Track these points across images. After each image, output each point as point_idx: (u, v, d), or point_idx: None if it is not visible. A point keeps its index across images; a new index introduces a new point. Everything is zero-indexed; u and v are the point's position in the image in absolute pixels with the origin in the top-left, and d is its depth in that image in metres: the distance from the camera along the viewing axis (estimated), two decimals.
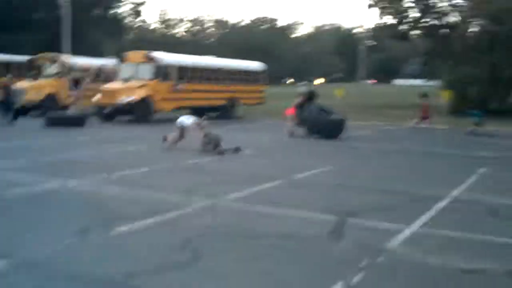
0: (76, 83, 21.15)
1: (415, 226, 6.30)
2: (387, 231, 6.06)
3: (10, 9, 48.83)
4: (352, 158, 12.48)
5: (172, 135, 13.06)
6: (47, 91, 24.26)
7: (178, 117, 13.40)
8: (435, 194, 8.14)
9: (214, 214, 6.73)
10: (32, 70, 25.95)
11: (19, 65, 27.58)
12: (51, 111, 20.90)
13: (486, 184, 9.29)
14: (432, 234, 5.99)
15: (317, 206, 7.25)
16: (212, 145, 12.52)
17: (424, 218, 6.67)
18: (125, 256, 5.13)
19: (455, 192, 8.35)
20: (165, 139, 13.13)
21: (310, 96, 18.08)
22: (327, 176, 9.83)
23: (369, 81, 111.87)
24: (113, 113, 21.62)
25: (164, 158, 11.79)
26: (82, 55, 34.02)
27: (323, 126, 16.62)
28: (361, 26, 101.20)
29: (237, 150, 12.70)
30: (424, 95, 20.21)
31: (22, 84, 24.19)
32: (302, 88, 20.16)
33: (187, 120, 12.94)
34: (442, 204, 7.54)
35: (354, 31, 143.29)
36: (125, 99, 21.13)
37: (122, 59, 23.52)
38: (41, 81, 24.49)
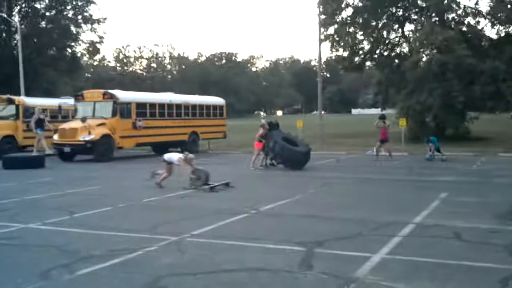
0: (39, 123, 20.63)
1: (382, 253, 6.37)
2: (355, 259, 6.09)
3: None
4: (316, 187, 12.57)
5: (163, 171, 12.80)
6: (3, 132, 23.64)
7: (163, 155, 13.17)
8: (400, 221, 8.27)
9: (181, 251, 6.62)
10: None
11: None
12: (8, 153, 20.30)
13: (448, 208, 9.50)
14: (400, 260, 6.05)
15: (285, 237, 7.23)
16: (202, 181, 12.36)
17: (390, 245, 6.75)
18: None
19: (418, 218, 8.51)
20: (153, 175, 12.92)
21: (271, 127, 18.25)
22: (293, 207, 9.86)
23: (321, 112, 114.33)
24: (72, 152, 21.22)
25: (125, 196, 11.58)
26: (38, 95, 33.49)
27: (290, 157, 16.75)
28: (315, 59, 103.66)
29: (227, 185, 12.59)
30: (382, 117, 20.73)
31: None
32: (262, 120, 20.35)
33: (174, 156, 12.71)
34: (407, 230, 7.66)
35: (311, 63, 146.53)
36: (84, 137, 20.81)
37: (79, 98, 23.24)
38: None
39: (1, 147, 22.92)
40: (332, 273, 5.56)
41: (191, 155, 12.65)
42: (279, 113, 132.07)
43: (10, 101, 25.03)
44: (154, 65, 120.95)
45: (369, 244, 6.81)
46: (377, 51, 33.24)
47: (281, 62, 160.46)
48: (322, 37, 32.24)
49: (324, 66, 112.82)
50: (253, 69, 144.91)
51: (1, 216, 9.29)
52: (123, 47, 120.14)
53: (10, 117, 24.73)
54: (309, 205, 10.05)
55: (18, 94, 30.83)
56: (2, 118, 24.75)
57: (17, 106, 24.81)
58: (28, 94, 33.00)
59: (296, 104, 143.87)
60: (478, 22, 30.02)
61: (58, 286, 5.34)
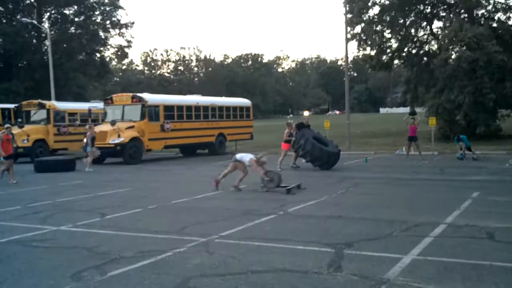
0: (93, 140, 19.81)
1: (413, 254, 6.27)
2: (386, 260, 6.01)
3: None
4: (345, 188, 12.46)
5: (231, 168, 12.73)
6: (35, 136, 24.18)
7: (235, 154, 13.18)
8: (431, 221, 8.14)
9: (209, 252, 6.65)
10: (19, 117, 25.92)
11: (7, 112, 27.59)
12: (40, 157, 20.73)
13: (480, 208, 9.30)
14: (431, 261, 5.95)
15: (314, 238, 7.19)
16: (275, 183, 12.22)
17: (421, 246, 6.64)
18: None
19: (450, 218, 8.36)
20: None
21: (301, 127, 18.17)
22: (321, 208, 9.80)
23: (336, 112, 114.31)
24: (103, 155, 21.57)
25: (154, 198, 11.70)
26: (69, 100, 34.13)
27: (319, 156, 16.64)
28: (342, 58, 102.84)
29: (299, 187, 12.37)
30: (412, 113, 20.48)
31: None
32: (289, 120, 20.36)
33: (245, 156, 12.54)
34: (438, 230, 7.53)
35: (338, 62, 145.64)
36: (114, 140, 21.12)
37: (108, 102, 23.60)
38: (28, 128, 24.40)
39: (33, 150, 23.47)
40: (362, 275, 5.50)
41: (264, 158, 12.46)
42: (306, 113, 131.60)
43: (41, 106, 25.61)
44: (181, 67, 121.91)
45: (399, 245, 6.71)
46: (405, 49, 32.76)
47: (308, 62, 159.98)
48: (349, 36, 31.96)
49: (351, 65, 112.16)
50: (279, 69, 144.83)
51: (33, 219, 9.50)
52: (150, 50, 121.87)
53: (41, 121, 25.32)
54: (338, 206, 9.97)
55: (49, 99, 31.53)
56: (33, 123, 25.35)
57: (48, 111, 25.37)
58: (58, 98, 33.73)
59: (323, 104, 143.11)
60: (508, 18, 29.35)
61: None
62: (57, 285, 5.48)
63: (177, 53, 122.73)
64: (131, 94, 23.75)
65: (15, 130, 24.22)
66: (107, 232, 8.15)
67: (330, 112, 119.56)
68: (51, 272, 6.03)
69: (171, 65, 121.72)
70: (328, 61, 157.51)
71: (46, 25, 48.58)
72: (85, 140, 19.86)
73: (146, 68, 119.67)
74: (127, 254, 6.68)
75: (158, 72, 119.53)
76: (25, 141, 23.60)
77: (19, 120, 25.53)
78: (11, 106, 27.91)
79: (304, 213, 9.28)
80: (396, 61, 35.50)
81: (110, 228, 8.42)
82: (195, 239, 7.38)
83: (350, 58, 51.52)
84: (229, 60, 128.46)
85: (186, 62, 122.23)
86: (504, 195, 10.68)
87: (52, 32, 47.65)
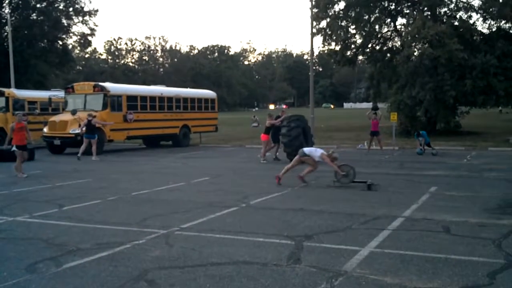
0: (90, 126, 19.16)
1: (371, 246, 6.37)
2: (344, 253, 6.09)
3: None
4: (308, 181, 12.54)
5: (308, 168, 12.15)
6: None
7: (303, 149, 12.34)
8: (389, 214, 8.28)
9: (169, 245, 6.59)
10: None
11: None
12: None
13: (437, 202, 9.52)
14: (388, 254, 6.05)
15: (274, 231, 7.22)
16: (350, 178, 11.70)
17: (379, 239, 6.75)
18: None
19: (408, 212, 8.53)
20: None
21: (278, 117, 18.17)
22: (282, 200, 9.85)
23: (283, 106, 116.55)
24: (62, 145, 21.09)
25: (115, 190, 11.52)
26: (29, 88, 33.20)
27: (297, 148, 16.56)
28: (308, 53, 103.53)
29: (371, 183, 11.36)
30: (374, 108, 20.73)
31: None
32: (271, 111, 20.36)
33: (315, 151, 11.96)
34: (396, 223, 7.67)
35: (304, 57, 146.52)
36: (74, 130, 20.68)
37: (69, 91, 23.08)
38: None
39: None
40: (320, 267, 5.55)
41: (335, 154, 11.94)
42: (271, 107, 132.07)
43: (0, 93, 24.83)
44: (146, 57, 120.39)
45: (357, 238, 6.81)
46: (369, 45, 33.19)
47: (274, 55, 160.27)
48: (315, 30, 32.16)
49: (316, 59, 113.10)
50: (246, 62, 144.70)
51: None
52: (114, 39, 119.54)
53: (0, 109, 24.56)
54: (299, 199, 10.05)
55: (9, 86, 30.60)
56: None
57: (7, 98, 24.63)
58: (19, 86, 32.79)
59: (288, 97, 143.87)
60: (470, 17, 30.06)
61: (44, 279, 5.29)
62: (11, 276, 5.33)
63: (142, 43, 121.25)
64: (93, 83, 23.29)
65: None
66: (65, 223, 7.97)
67: (277, 107, 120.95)
68: (5, 263, 5.86)
69: (136, 55, 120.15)
70: (294, 55, 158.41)
71: (6, 10, 47.08)
72: (82, 128, 19.35)
73: (110, 57, 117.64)
74: (84, 246, 6.56)
75: (122, 61, 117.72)
76: None
77: None
78: None
79: (266, 206, 9.31)
80: (360, 57, 35.95)
81: (68, 219, 8.25)
82: (155, 231, 7.30)
83: (316, 53, 51.87)
84: (195, 52, 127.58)
85: (151, 52, 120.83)
86: (461, 190, 10.97)
87: (13, 18, 46.23)
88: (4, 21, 46.14)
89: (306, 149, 12.31)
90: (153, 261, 5.85)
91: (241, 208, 9.07)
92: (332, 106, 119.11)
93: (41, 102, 25.87)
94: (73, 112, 21.11)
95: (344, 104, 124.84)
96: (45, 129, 21.78)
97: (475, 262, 5.73)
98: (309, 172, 12.16)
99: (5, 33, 45.87)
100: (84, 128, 19.18)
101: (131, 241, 6.71)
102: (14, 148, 14.42)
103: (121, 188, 11.75)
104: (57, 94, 26.04)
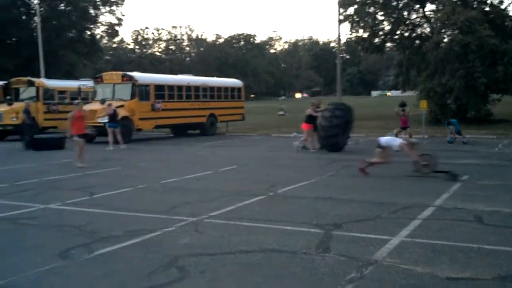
0: (114, 115, 19.39)
1: (401, 236, 6.30)
2: (374, 242, 6.03)
3: None
4: (335, 170, 12.47)
5: (377, 157, 11.26)
6: None
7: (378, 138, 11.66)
8: (420, 203, 8.17)
9: (198, 232, 6.64)
10: (8, 94, 25.60)
11: None
12: (29, 135, 20.50)
13: (469, 191, 9.35)
14: (419, 243, 5.97)
15: (303, 219, 7.20)
16: (431, 167, 11.04)
17: (410, 228, 6.67)
18: (109, 278, 5.00)
19: (439, 201, 8.40)
20: (367, 164, 11.35)
21: (319, 106, 17.88)
22: (311, 189, 9.81)
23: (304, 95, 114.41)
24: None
25: (144, 178, 11.65)
26: (58, 78, 33.77)
27: (330, 138, 16.34)
28: (335, 40, 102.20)
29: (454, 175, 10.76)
30: (402, 105, 20.39)
31: None
32: (314, 98, 19.83)
33: (393, 141, 11.17)
34: (427, 213, 7.56)
35: (331, 44, 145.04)
36: (103, 119, 20.93)
37: (98, 80, 23.36)
38: (17, 105, 24.14)
39: (23, 128, 23.21)
40: (350, 255, 5.52)
41: (413, 139, 11.16)
42: (298, 95, 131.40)
43: (30, 83, 25.32)
44: (172, 47, 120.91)
45: (388, 227, 6.74)
46: (398, 32, 32.66)
47: (300, 43, 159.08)
48: (342, 17, 31.82)
49: (343, 47, 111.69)
50: (272, 51, 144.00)
51: (22, 197, 9.44)
52: (141, 29, 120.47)
53: (30, 99, 25.03)
54: (327, 188, 9.99)
55: (39, 76, 31.15)
56: (23, 100, 25.05)
57: (37, 88, 25.09)
58: (48, 76, 33.33)
59: (315, 86, 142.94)
60: (501, 2, 29.28)
61: (77, 266, 5.39)
62: (45, 262, 5.45)
63: (169, 32, 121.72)
64: (121, 72, 23.54)
65: (3, 107, 24.02)
66: (96, 210, 8.11)
67: (283, 97, 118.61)
68: (39, 249, 6.00)
69: (163, 44, 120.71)
70: (321, 42, 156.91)
71: (35, 1, 47.79)
72: (105, 117, 19.63)
73: (137, 47, 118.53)
74: (116, 233, 6.66)
75: (149, 51, 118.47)
76: (14, 119, 23.37)
77: (8, 97, 25.20)
78: (0, 83, 27.54)
79: (294, 194, 9.29)
80: (388, 44, 35.42)
81: (99, 207, 8.38)
82: (184, 218, 7.36)
83: (343, 40, 51.27)
84: (221, 40, 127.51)
85: (178, 41, 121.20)
86: (493, 179, 10.75)
87: (42, 8, 46.92)
88: (33, 11, 46.88)
89: (383, 140, 11.29)
90: (183, 248, 5.91)
91: (269, 197, 9.08)
92: (387, 94, 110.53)
93: (70, 92, 26.28)
94: (102, 102, 21.37)
95: (372, 92, 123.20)
96: None
97: (508, 252, 5.62)
98: (379, 164, 11.21)
99: (34, 24, 46.67)
100: (107, 117, 19.43)
101: (161, 229, 6.79)
102: (75, 138, 13.98)
103: (150, 176, 11.88)
104: (86, 83, 26.40)
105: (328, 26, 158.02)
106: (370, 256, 5.49)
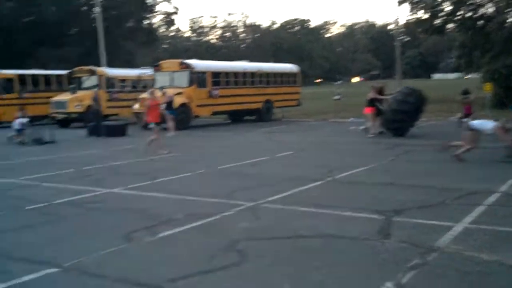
0: (170, 103, 19.78)
1: (465, 222, 6.10)
2: (437, 228, 5.87)
3: (49, 25, 50.29)
4: (395, 155, 12.20)
5: (465, 140, 10.78)
6: (87, 102, 24.81)
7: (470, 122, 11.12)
8: (485, 189, 7.87)
9: (256, 217, 6.68)
10: (71, 83, 26.60)
11: (59, 78, 28.42)
12: (92, 122, 21.23)
13: None
14: (484, 230, 5.76)
15: (362, 205, 7.11)
16: None
17: (474, 214, 6.44)
18: (171, 261, 5.12)
19: (504, 187, 8.06)
20: (447, 147, 11.14)
21: (381, 90, 17.49)
22: (370, 174, 9.65)
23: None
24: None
25: (203, 163, 11.83)
26: (118, 67, 34.74)
27: (397, 121, 15.86)
28: (394, 22, 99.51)
29: None
30: (465, 92, 19.62)
31: (63, 97, 24.93)
32: (377, 82, 19.24)
33: (487, 124, 10.65)
34: (492, 199, 7.28)
35: (388, 27, 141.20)
36: (163, 106, 21.35)
37: (157, 68, 23.84)
38: (81, 94, 25.04)
39: (86, 116, 24.11)
40: (412, 242, 5.40)
41: (509, 124, 10.68)
42: (355, 79, 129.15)
43: (92, 72, 26.17)
44: (228, 34, 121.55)
45: (451, 213, 6.54)
46: (460, 13, 31.38)
47: (357, 27, 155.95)
48: None
49: (402, 29, 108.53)
50: (327, 35, 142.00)
51: (87, 181, 9.81)
52: (197, 17, 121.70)
53: (93, 87, 25.90)
54: (388, 173, 9.79)
55: (99, 65, 32.14)
56: (85, 89, 25.98)
57: (99, 77, 25.90)
58: (109, 65, 34.32)
59: (373, 69, 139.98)
60: None
61: (140, 248, 5.56)
62: (109, 245, 5.65)
63: (224, 20, 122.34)
64: (179, 60, 23.90)
65: (67, 95, 24.98)
66: (158, 195, 8.31)
67: (339, 82, 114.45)
68: (104, 232, 6.23)
69: (218, 32, 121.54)
70: (379, 25, 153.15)
71: None
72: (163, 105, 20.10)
73: (193, 35, 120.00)
74: (176, 216, 6.81)
75: (206, 38, 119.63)
76: (78, 107, 24.29)
77: (72, 86, 26.19)
78: (64, 72, 28.65)
79: (353, 180, 9.17)
80: (450, 25, 34.13)
81: (161, 191, 8.59)
82: (242, 203, 7.43)
83: (402, 22, 49.76)
84: (276, 26, 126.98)
85: (233, 28, 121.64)
86: None
87: None
88: (93, 2, 48.26)
89: (476, 122, 10.76)
90: (241, 232, 5.97)
91: (326, 182, 9.01)
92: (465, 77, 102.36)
93: (130, 80, 26.98)
94: (161, 89, 21.80)
95: (433, 75, 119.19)
96: (136, 106, 22.72)
97: None
98: (469, 150, 10.64)
99: (95, 14, 48.10)
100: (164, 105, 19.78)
101: (220, 213, 6.88)
102: (151, 125, 14.12)
103: (209, 161, 12.05)
104: (146, 72, 27.00)
105: (386, 8, 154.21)
106: (433, 242, 5.35)
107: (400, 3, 31.15)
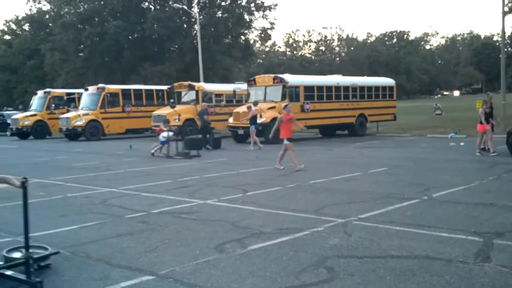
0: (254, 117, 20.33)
1: None
2: None
3: (151, 42, 53.21)
4: (497, 174, 11.50)
5: None
6: (186, 116, 25.86)
7: None
8: None
9: (347, 234, 6.58)
10: (171, 98, 27.88)
11: (161, 93, 29.95)
12: (189, 135, 22.06)
13: None
14: None
15: (460, 226, 6.76)
16: None
17: None
18: (261, 274, 5.17)
19: None
20: None
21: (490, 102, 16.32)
22: (469, 194, 9.17)
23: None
24: (246, 135, 22.40)
25: (293, 177, 11.86)
26: (215, 82, 35.95)
27: None
28: (498, 34, 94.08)
29: None
30: None
31: (163, 111, 26.18)
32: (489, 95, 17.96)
33: None
34: None
35: (494, 38, 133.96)
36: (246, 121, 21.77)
37: (251, 83, 24.34)
38: (179, 108, 26.14)
39: (184, 129, 25.11)
40: None
41: None
42: (456, 93, 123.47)
43: (191, 87, 27.26)
44: (322, 48, 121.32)
45: None
46: None
47: (459, 38, 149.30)
48: (507, 8, 29.23)
49: (508, 40, 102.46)
50: (427, 47, 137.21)
51: (183, 192, 10.20)
52: (292, 31, 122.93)
53: (191, 102, 26.97)
54: (488, 193, 9.25)
55: (198, 80, 33.44)
56: (184, 103, 27.10)
57: (197, 92, 26.93)
58: (206, 80, 35.63)
59: (476, 83, 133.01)
60: None
61: (231, 259, 5.67)
62: (202, 254, 5.82)
63: (319, 33, 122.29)
64: (273, 75, 24.24)
65: (167, 109, 26.17)
66: (248, 207, 8.45)
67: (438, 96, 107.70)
68: (197, 242, 6.42)
69: (313, 46, 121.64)
70: (482, 36, 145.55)
71: (195, 10, 51.34)
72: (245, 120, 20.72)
73: (288, 50, 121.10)
74: (267, 229, 6.88)
75: (300, 53, 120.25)
76: (176, 120, 25.37)
77: (172, 100, 27.45)
78: (164, 87, 30.14)
79: (451, 199, 8.75)
80: None
81: (251, 204, 8.73)
82: (332, 219, 7.35)
83: (508, 33, 47.04)
84: (372, 39, 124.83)
85: (328, 42, 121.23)
86: None
87: (201, 16, 50.21)
88: (193, 20, 50.36)
89: None
90: (331, 249, 5.91)
91: (422, 201, 8.68)
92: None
93: (226, 95, 27.76)
94: (255, 104, 22.22)
95: None
96: (230, 120, 23.32)
97: None
98: None
99: (194, 31, 50.14)
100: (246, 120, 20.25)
101: (310, 228, 6.86)
102: (285, 141, 13.42)
103: (299, 176, 12.07)
104: (240, 86, 27.66)
105: (491, 19, 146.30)
106: None
107: (505, 13, 29.45)
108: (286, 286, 4.78)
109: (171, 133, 18.29)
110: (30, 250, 5.20)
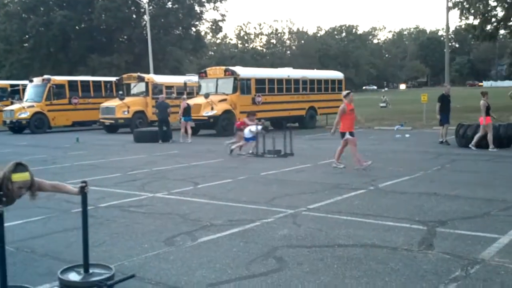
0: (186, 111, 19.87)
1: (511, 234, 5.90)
2: (481, 240, 5.71)
3: (99, 33, 51.93)
4: (440, 164, 11.93)
5: None
6: (135, 108, 25.45)
7: None
8: None
9: (296, 224, 6.68)
10: (120, 90, 27.34)
11: (109, 85, 29.30)
12: (139, 127, 21.77)
13: None
14: None
15: (404, 215, 6.99)
16: None
17: None
18: (210, 265, 5.18)
19: None
20: None
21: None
22: (414, 184, 9.48)
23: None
24: (196, 127, 22.28)
25: (245, 169, 11.90)
26: (166, 73, 35.49)
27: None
28: (443, 28, 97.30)
29: None
30: None
31: (111, 103, 25.64)
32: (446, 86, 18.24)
33: None
34: None
35: (438, 33, 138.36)
36: (207, 113, 21.68)
37: (202, 75, 24.20)
38: (129, 100, 25.69)
39: (133, 121, 24.75)
40: (455, 253, 5.27)
41: None
42: (402, 86, 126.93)
43: (141, 79, 26.82)
44: (273, 41, 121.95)
45: (497, 225, 6.34)
46: None
47: (405, 33, 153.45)
48: (450, 4, 30.24)
49: (452, 35, 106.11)
50: (375, 41, 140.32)
51: (132, 186, 10.05)
52: (244, 24, 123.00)
53: (140, 94, 26.55)
54: (432, 183, 9.59)
55: (148, 72, 32.93)
56: (133, 95, 26.65)
57: (147, 84, 26.52)
58: (156, 72, 35.14)
59: (421, 77, 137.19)
60: None
61: (181, 252, 5.65)
62: (151, 248, 5.77)
63: (270, 26, 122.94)
64: (224, 67, 24.18)
65: (116, 102, 25.66)
66: (199, 200, 8.43)
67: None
68: (146, 236, 6.35)
69: (264, 38, 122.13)
70: (428, 31, 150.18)
71: (145, 0, 50.47)
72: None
73: (239, 42, 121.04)
74: (217, 222, 6.88)
75: (251, 45, 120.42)
76: (125, 113, 24.94)
77: (120, 92, 26.92)
78: (113, 79, 29.52)
79: (396, 189, 9.02)
80: (502, 31, 33.19)
81: (202, 196, 8.71)
82: (283, 210, 7.44)
83: (452, 28, 48.72)
84: (322, 32, 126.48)
85: (279, 35, 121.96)
86: None
87: (151, 7, 49.44)
88: (142, 10, 49.53)
89: None
90: (281, 239, 5.98)
91: (369, 191, 8.90)
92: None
93: (177, 87, 27.48)
94: (206, 96, 22.12)
95: (484, 82, 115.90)
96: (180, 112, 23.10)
97: None
98: None
99: (144, 22, 49.29)
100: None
101: (260, 219, 6.92)
102: (347, 136, 11.76)
103: (251, 168, 12.13)
104: (191, 78, 27.45)
105: (436, 14, 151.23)
106: (477, 254, 5.21)
107: (449, 8, 30.46)
108: (236, 277, 4.81)
109: (259, 127, 15.05)
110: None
